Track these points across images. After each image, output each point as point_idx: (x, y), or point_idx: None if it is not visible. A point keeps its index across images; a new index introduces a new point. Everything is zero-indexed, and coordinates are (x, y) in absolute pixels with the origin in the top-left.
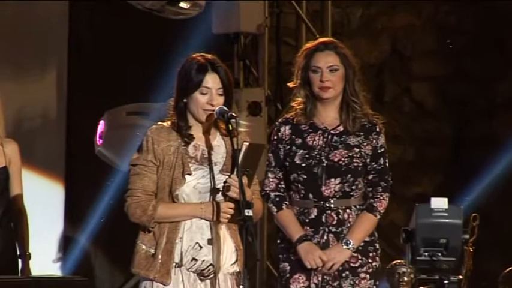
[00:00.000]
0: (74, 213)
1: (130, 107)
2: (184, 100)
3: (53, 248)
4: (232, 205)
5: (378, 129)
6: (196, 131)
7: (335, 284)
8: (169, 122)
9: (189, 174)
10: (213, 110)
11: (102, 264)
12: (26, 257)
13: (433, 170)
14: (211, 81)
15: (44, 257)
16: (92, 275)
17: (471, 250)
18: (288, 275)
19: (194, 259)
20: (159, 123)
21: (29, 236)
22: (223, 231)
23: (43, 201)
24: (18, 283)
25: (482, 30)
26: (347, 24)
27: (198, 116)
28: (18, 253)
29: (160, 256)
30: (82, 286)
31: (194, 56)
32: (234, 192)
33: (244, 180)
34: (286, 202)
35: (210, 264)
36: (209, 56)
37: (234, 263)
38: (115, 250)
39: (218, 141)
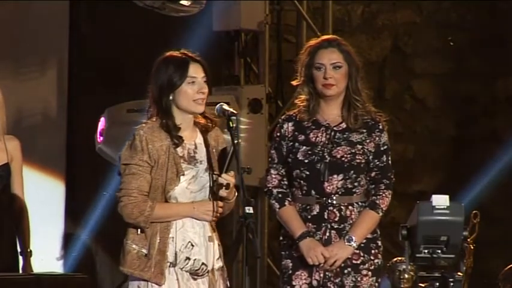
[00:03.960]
0: (74, 211)
1: (131, 104)
2: (170, 97)
3: (54, 245)
4: (221, 204)
5: (380, 127)
6: (182, 128)
7: (337, 280)
8: (156, 120)
9: (183, 175)
10: (204, 99)
11: (103, 262)
12: (27, 254)
13: (434, 168)
14: (196, 70)
15: (44, 254)
16: (93, 272)
17: (472, 247)
18: (290, 272)
19: (187, 258)
20: (149, 121)
21: (30, 233)
22: (210, 229)
23: (44, 198)
24: (19, 280)
25: (484, 27)
26: (348, 21)
27: (190, 109)
28: (19, 250)
29: (154, 256)
30: (83, 283)
31: (169, 54)
32: (224, 192)
33: (233, 178)
34: (289, 199)
35: (203, 263)
36: (184, 50)
37: (218, 258)
38: (116, 247)
39: (200, 139)
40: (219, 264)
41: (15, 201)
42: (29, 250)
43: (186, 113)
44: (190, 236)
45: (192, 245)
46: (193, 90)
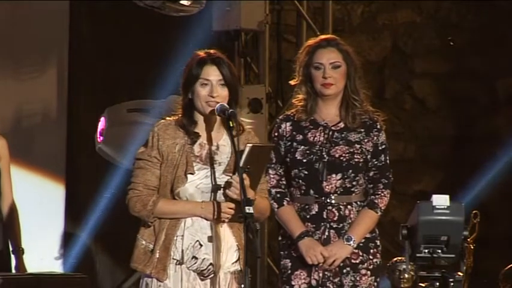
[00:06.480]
0: (74, 210)
1: (131, 104)
2: (189, 96)
3: (54, 245)
4: (232, 205)
5: (378, 126)
6: (203, 128)
7: (336, 280)
8: (175, 118)
9: (192, 174)
10: (216, 102)
11: (103, 261)
12: (20, 252)
13: (434, 167)
14: (210, 72)
15: (44, 254)
16: (92, 272)
17: (472, 247)
18: (289, 271)
19: (194, 257)
20: (167, 118)
21: (20, 231)
22: (225, 230)
23: (44, 198)
24: (18, 280)
25: (484, 26)
26: (348, 21)
27: (202, 110)
28: (11, 249)
29: (158, 252)
30: (82, 283)
31: (196, 53)
32: (234, 193)
33: (247, 180)
34: (287, 198)
35: (210, 264)
36: (212, 51)
37: (236, 261)
38: (116, 247)
39: (224, 141)
40: (236, 267)
41: (5, 199)
42: (20, 248)
43: (200, 113)
44: (199, 235)
45: (201, 245)
46: (205, 92)
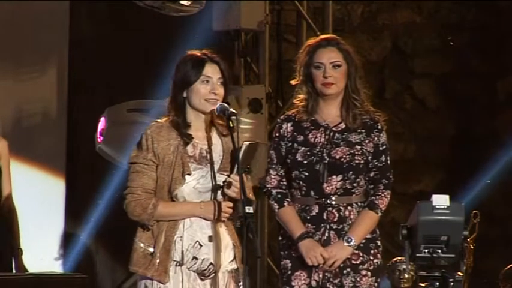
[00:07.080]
0: (74, 210)
1: (131, 104)
2: (184, 94)
3: (54, 245)
4: (231, 204)
5: (379, 127)
6: (195, 128)
7: (336, 281)
8: (167, 119)
9: (189, 175)
10: (217, 100)
11: (103, 261)
12: (18, 253)
13: (434, 168)
14: (212, 71)
15: (44, 254)
16: (92, 272)
17: (472, 247)
18: (289, 272)
19: (195, 258)
20: (159, 120)
21: (19, 232)
22: (222, 229)
23: (44, 198)
24: (18, 280)
25: (484, 27)
26: (348, 21)
27: (201, 107)
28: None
29: (158, 255)
30: (82, 283)
31: (190, 52)
32: (233, 192)
33: (246, 178)
34: (288, 199)
35: (211, 264)
36: (205, 51)
37: (232, 260)
38: (116, 247)
39: (215, 140)
40: (233, 266)
41: (4, 200)
42: (19, 249)
43: (198, 112)
44: (199, 235)
45: (200, 245)
46: (206, 89)
